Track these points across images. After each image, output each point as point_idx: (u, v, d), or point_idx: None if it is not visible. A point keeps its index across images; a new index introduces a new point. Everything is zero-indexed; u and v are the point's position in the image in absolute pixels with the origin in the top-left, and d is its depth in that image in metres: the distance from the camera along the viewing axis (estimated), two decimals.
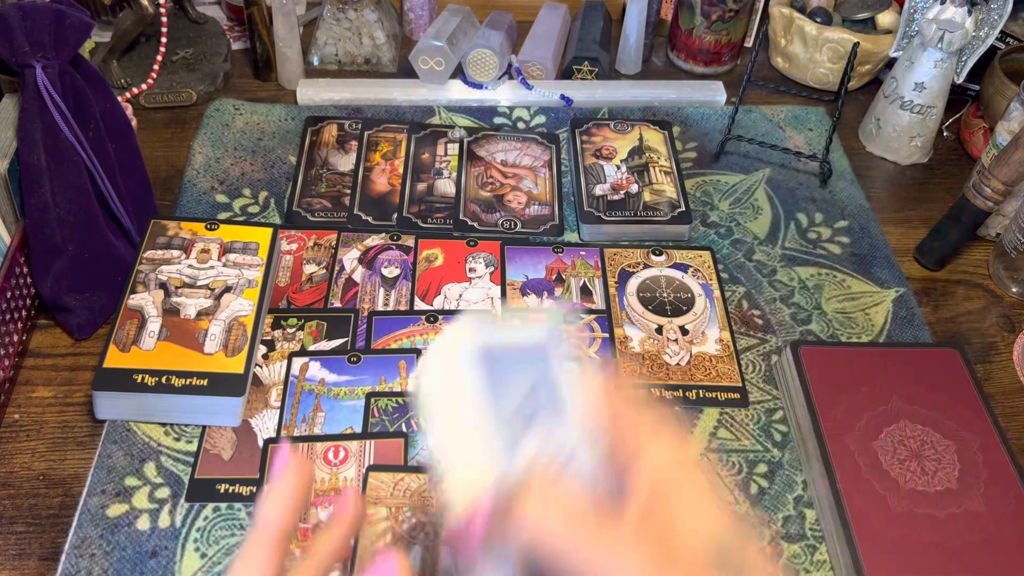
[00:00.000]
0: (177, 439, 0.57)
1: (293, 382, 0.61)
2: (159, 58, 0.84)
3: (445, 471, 0.36)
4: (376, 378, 0.61)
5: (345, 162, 0.79)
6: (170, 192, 0.75)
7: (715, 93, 0.90)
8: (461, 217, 0.75)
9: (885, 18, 0.92)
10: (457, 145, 0.82)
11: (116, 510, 0.54)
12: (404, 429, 0.58)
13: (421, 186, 0.77)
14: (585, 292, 0.69)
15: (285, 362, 0.62)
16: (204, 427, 0.58)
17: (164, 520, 0.53)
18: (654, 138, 0.82)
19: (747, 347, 0.66)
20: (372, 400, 0.60)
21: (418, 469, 0.55)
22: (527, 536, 0.27)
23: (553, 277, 0.70)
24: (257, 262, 0.64)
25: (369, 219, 0.74)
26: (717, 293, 0.69)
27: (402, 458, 0.57)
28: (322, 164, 0.78)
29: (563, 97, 0.88)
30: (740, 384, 0.63)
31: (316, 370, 0.61)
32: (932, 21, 0.76)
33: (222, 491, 0.55)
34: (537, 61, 0.89)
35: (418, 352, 0.63)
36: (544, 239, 0.74)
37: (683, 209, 0.75)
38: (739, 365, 0.64)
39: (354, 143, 0.81)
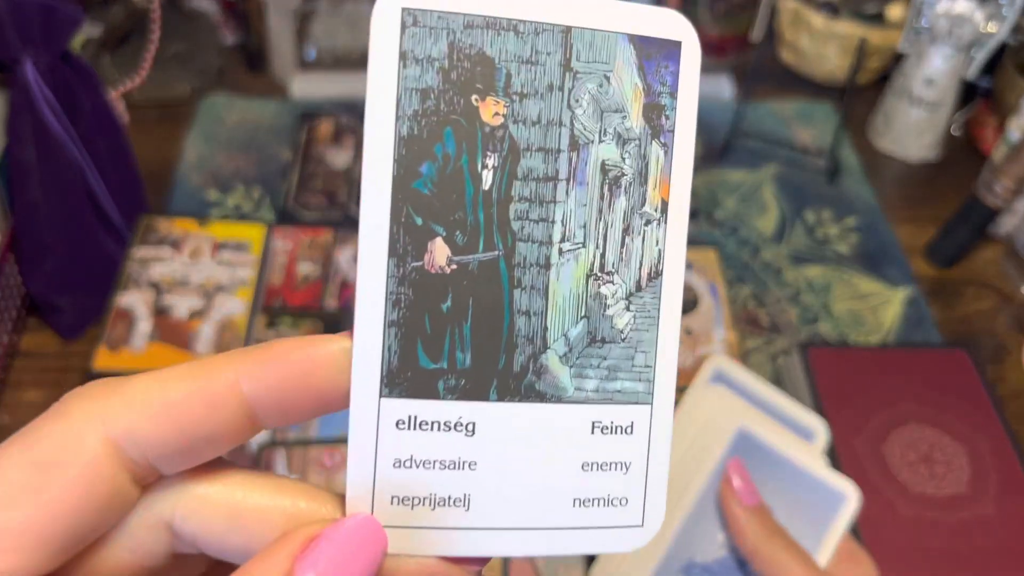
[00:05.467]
0: None
1: None
2: (151, 53, 0.83)
3: None
4: None
5: (341, 158, 0.78)
6: (162, 189, 0.74)
7: (721, 88, 0.89)
8: None
9: (895, 12, 0.90)
10: None
11: None
12: None
13: None
14: None
15: None
16: None
17: None
18: None
19: (753, 348, 0.65)
20: None
21: None
22: None
23: None
24: (250, 260, 0.63)
25: None
26: (723, 292, 0.68)
27: None
28: (317, 160, 0.77)
29: None
30: None
31: None
32: (942, 16, 0.75)
33: None
34: None
35: None
36: None
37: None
38: (745, 366, 0.63)
39: (350, 139, 0.80)
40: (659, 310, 0.20)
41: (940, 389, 0.59)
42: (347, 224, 0.72)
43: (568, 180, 0.19)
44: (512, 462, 0.19)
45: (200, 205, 0.73)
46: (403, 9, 0.17)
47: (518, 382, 0.19)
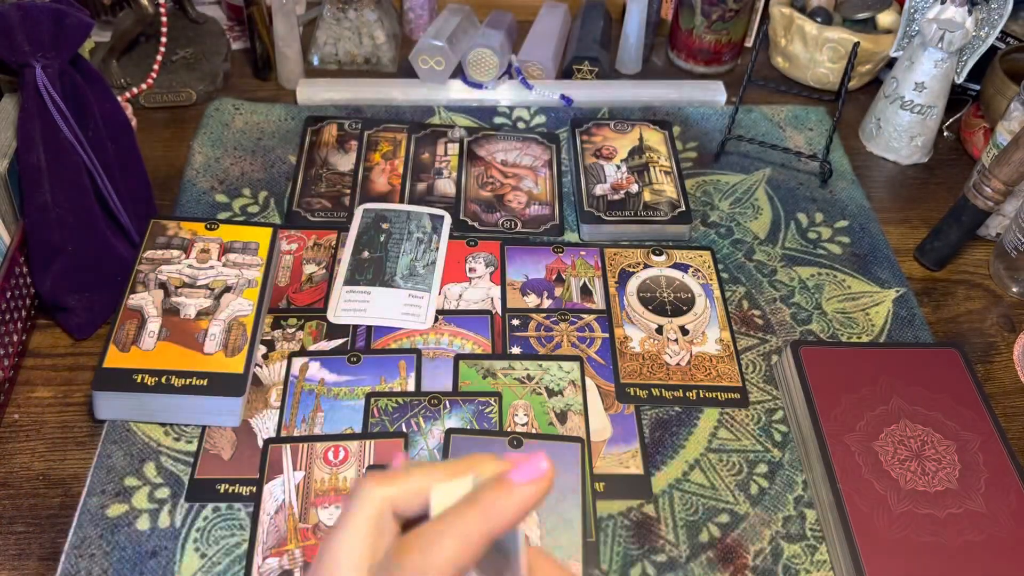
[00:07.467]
0: (177, 439, 0.57)
1: (293, 382, 0.61)
2: (159, 58, 0.84)
3: None
4: (376, 378, 0.61)
5: (345, 162, 0.79)
6: (170, 192, 0.75)
7: (715, 93, 0.90)
8: (461, 217, 0.75)
9: (885, 18, 0.91)
10: (457, 145, 0.82)
11: (116, 510, 0.53)
12: (404, 429, 0.58)
13: (421, 186, 0.77)
14: (585, 292, 0.69)
15: (285, 362, 0.62)
16: (204, 427, 0.58)
17: (164, 520, 0.53)
18: (654, 138, 0.82)
19: (747, 347, 0.66)
20: (372, 400, 0.60)
21: None
22: None
23: (553, 277, 0.70)
24: (257, 262, 0.64)
25: None
26: (717, 293, 0.69)
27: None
28: (322, 164, 0.78)
29: (563, 97, 0.88)
30: (740, 384, 0.63)
31: (316, 370, 0.61)
32: (932, 21, 0.76)
33: (222, 491, 0.55)
34: (537, 61, 0.89)
35: (418, 352, 0.63)
36: (544, 239, 0.74)
37: (683, 209, 0.75)
38: (739, 365, 0.64)
39: (354, 143, 0.81)
40: (434, 271, 0.68)
41: (931, 387, 0.60)
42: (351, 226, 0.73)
43: (409, 241, 0.71)
44: (382, 302, 0.66)
45: (208, 208, 0.74)
46: None
47: (386, 282, 0.67)
